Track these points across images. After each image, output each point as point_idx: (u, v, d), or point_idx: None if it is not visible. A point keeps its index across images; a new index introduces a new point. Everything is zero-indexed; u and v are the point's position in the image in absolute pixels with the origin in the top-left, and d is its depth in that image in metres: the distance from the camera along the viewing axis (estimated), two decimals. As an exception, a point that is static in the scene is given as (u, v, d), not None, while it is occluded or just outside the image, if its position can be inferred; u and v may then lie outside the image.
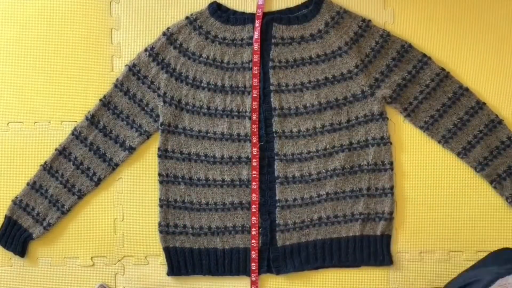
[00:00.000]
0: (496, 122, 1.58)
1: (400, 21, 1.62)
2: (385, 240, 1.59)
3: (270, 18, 1.60)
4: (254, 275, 1.61)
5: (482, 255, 1.60)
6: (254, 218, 1.60)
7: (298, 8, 1.62)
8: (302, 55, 1.59)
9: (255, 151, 1.60)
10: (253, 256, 1.60)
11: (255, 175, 1.60)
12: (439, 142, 1.60)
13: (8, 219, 1.64)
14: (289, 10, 1.63)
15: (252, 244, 1.60)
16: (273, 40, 1.59)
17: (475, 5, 1.62)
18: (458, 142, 1.59)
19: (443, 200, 1.62)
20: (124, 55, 1.66)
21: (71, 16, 1.67)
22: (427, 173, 1.62)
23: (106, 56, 1.67)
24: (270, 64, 1.59)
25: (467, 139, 1.58)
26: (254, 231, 1.60)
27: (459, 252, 1.61)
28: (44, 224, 1.64)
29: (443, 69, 1.59)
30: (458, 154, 1.59)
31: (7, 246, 1.64)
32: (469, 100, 1.58)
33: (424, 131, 1.60)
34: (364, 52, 1.58)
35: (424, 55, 1.60)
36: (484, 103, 1.58)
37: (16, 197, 1.64)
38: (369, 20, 1.60)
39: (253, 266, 1.60)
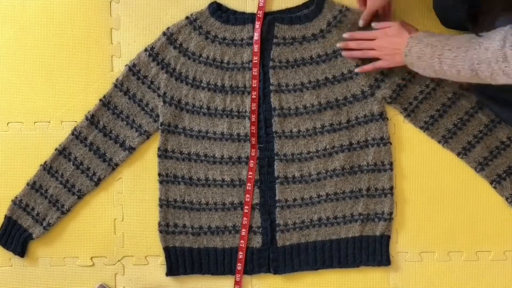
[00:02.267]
0: (496, 122, 1.58)
1: (400, 21, 1.63)
2: (384, 240, 1.59)
3: (272, 18, 1.60)
4: (239, 275, 1.61)
5: (482, 255, 1.61)
6: (246, 219, 1.60)
7: (298, 8, 1.62)
8: (302, 55, 1.59)
9: (253, 152, 1.60)
10: (240, 257, 1.60)
11: (251, 176, 1.60)
12: (439, 142, 1.60)
13: (8, 219, 1.64)
14: (289, 11, 1.62)
15: (241, 245, 1.60)
16: (274, 40, 1.59)
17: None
18: (458, 142, 1.59)
19: (443, 200, 1.62)
20: (124, 55, 1.66)
21: (71, 16, 1.67)
22: (427, 173, 1.62)
23: (106, 56, 1.67)
24: (271, 64, 1.59)
25: (467, 139, 1.58)
26: (244, 232, 1.60)
27: (459, 252, 1.61)
28: (44, 224, 1.64)
29: (443, 70, 1.59)
30: (458, 154, 1.59)
31: (7, 246, 1.64)
32: (469, 101, 1.58)
33: (424, 131, 1.60)
34: (365, 52, 1.58)
35: (425, 55, 1.60)
36: (483, 104, 1.58)
37: (16, 197, 1.64)
38: (371, 20, 1.60)
39: (239, 266, 1.61)
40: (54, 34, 1.67)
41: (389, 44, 1.47)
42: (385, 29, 1.49)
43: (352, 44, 1.54)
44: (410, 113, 1.60)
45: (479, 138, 1.58)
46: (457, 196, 1.62)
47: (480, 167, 1.58)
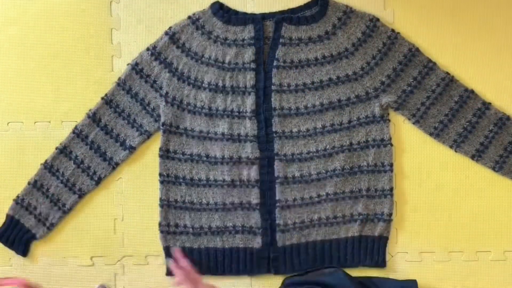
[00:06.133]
0: (504, 119, 1.59)
1: (400, 22, 1.63)
2: (382, 242, 1.60)
3: (281, 18, 1.59)
4: None
5: (482, 255, 1.61)
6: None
7: (300, 8, 1.62)
8: (307, 56, 1.59)
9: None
10: None
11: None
12: (451, 147, 1.61)
13: (11, 218, 1.64)
14: (291, 11, 1.62)
15: None
16: (281, 40, 1.59)
17: (476, 5, 1.62)
18: (471, 145, 1.59)
19: (443, 200, 1.62)
20: (124, 55, 1.66)
21: (71, 16, 1.67)
22: (427, 174, 1.63)
23: (106, 56, 1.67)
24: (275, 63, 1.59)
25: (479, 140, 1.59)
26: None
27: (459, 253, 1.61)
28: (47, 224, 1.63)
29: (448, 74, 1.60)
30: (473, 157, 1.60)
31: (8, 245, 1.64)
32: (475, 102, 1.59)
33: (434, 138, 1.61)
34: (370, 54, 1.58)
35: (430, 61, 1.60)
36: (489, 103, 1.59)
37: (18, 196, 1.64)
38: (377, 20, 1.60)
39: None
40: (54, 34, 1.67)
41: None
42: None
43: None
44: (419, 119, 1.60)
45: (491, 138, 1.59)
46: (457, 196, 1.62)
47: (498, 166, 1.60)
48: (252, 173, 1.61)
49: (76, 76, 1.67)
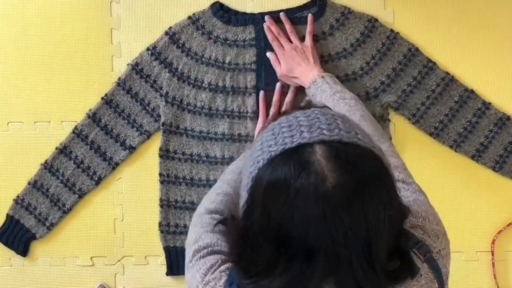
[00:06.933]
0: (504, 119, 1.59)
1: (400, 22, 1.62)
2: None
3: (278, 19, 1.59)
4: None
5: (482, 255, 1.61)
6: None
7: (298, 8, 1.62)
8: (306, 56, 1.59)
9: None
10: None
11: None
12: (451, 147, 1.61)
13: (11, 218, 1.64)
14: (290, 11, 1.62)
15: None
16: (279, 40, 1.59)
17: (476, 5, 1.62)
18: (471, 145, 1.60)
19: (443, 200, 1.62)
20: (124, 55, 1.65)
21: (71, 16, 1.66)
22: (427, 174, 1.62)
23: (106, 56, 1.66)
24: (275, 63, 1.59)
25: (479, 140, 1.59)
26: None
27: (459, 253, 1.61)
28: (47, 224, 1.64)
29: (447, 74, 1.60)
30: (473, 157, 1.60)
31: (8, 245, 1.64)
32: (475, 102, 1.59)
33: (434, 138, 1.61)
34: (370, 54, 1.58)
35: (430, 61, 1.60)
36: (489, 103, 1.59)
37: (18, 196, 1.64)
38: (376, 20, 1.59)
39: None
40: (54, 34, 1.66)
41: (296, 61, 1.53)
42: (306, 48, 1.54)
43: (273, 29, 1.57)
44: (419, 119, 1.60)
45: (491, 138, 1.59)
46: (457, 196, 1.62)
47: (499, 165, 1.60)
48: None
49: (76, 76, 1.66)
